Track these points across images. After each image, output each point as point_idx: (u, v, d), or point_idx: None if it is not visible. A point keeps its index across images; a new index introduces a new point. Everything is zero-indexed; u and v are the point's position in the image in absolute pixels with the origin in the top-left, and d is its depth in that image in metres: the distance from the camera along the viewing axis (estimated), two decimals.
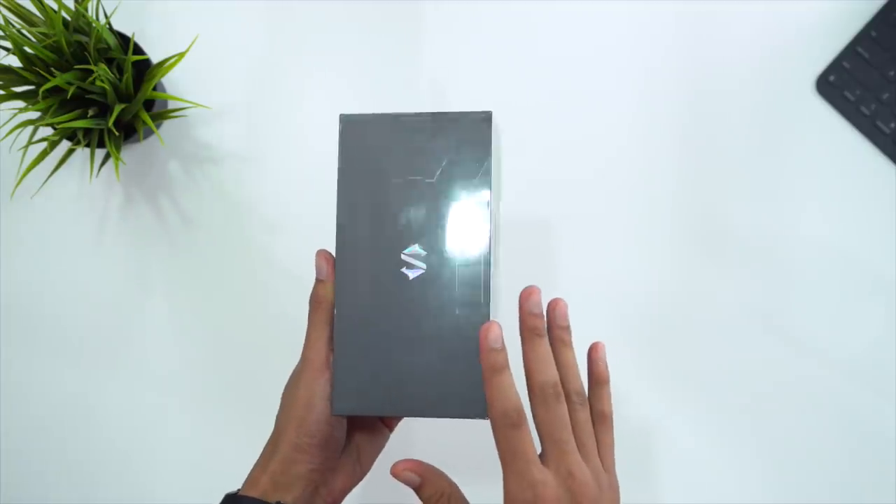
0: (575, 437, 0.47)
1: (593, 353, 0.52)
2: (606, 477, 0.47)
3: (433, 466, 0.48)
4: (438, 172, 0.49)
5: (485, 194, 0.49)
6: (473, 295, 0.48)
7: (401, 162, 0.49)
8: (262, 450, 0.51)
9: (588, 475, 0.45)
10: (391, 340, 0.48)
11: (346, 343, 0.49)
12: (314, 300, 0.50)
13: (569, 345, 0.50)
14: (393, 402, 0.48)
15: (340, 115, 0.50)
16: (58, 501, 0.70)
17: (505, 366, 0.46)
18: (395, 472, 0.47)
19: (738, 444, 0.68)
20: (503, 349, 0.46)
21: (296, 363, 0.51)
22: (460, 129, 0.49)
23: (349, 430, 0.52)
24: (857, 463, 0.68)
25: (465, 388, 0.48)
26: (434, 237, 0.49)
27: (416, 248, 0.49)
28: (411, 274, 0.49)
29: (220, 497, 0.49)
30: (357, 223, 0.49)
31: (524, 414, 0.46)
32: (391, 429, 0.55)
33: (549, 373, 0.47)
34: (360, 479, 0.53)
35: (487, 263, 0.48)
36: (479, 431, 0.69)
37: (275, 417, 0.51)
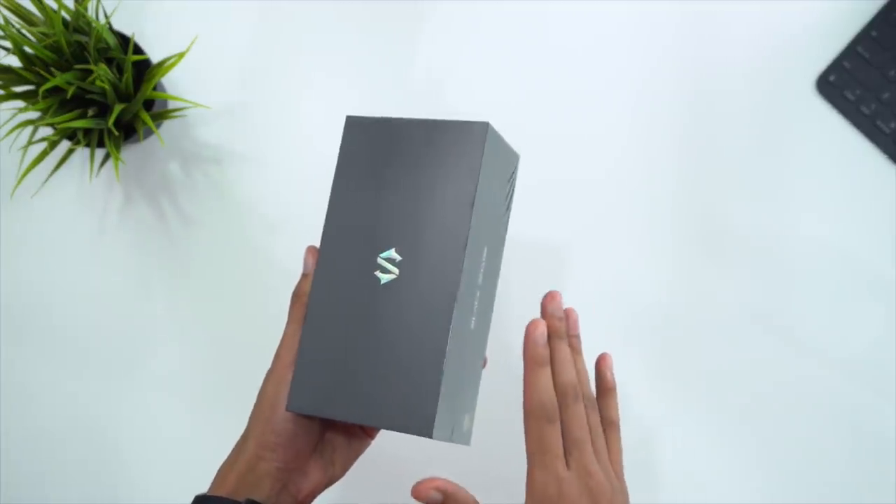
0: None
1: (601, 363, 0.54)
2: (616, 481, 0.49)
3: (457, 485, 0.47)
4: (428, 180, 0.48)
5: (468, 207, 0.47)
6: (440, 308, 0.46)
7: (393, 167, 0.49)
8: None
9: (602, 474, 0.47)
10: (355, 344, 0.47)
11: (312, 341, 0.48)
12: (294, 294, 0.51)
13: (580, 352, 0.53)
14: (347, 407, 0.47)
15: (347, 116, 0.50)
16: (58, 501, 0.70)
17: (547, 362, 0.48)
18: (418, 493, 0.46)
19: (738, 443, 0.68)
20: (547, 347, 0.48)
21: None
22: (455, 140, 0.48)
23: (323, 430, 0.51)
24: (857, 463, 0.68)
25: (417, 403, 0.46)
26: (412, 244, 0.47)
27: (392, 253, 0.48)
28: (383, 278, 0.48)
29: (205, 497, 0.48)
30: (343, 222, 0.49)
31: (558, 411, 0.47)
32: (372, 437, 0.54)
33: (571, 374, 0.49)
34: (334, 481, 0.52)
35: (458, 278, 0.46)
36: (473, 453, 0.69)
37: None
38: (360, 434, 0.53)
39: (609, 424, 0.52)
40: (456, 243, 0.47)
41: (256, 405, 0.50)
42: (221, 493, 0.48)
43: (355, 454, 0.53)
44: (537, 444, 0.46)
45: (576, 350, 0.53)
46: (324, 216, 0.70)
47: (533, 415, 0.47)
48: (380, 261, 0.48)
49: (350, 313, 0.48)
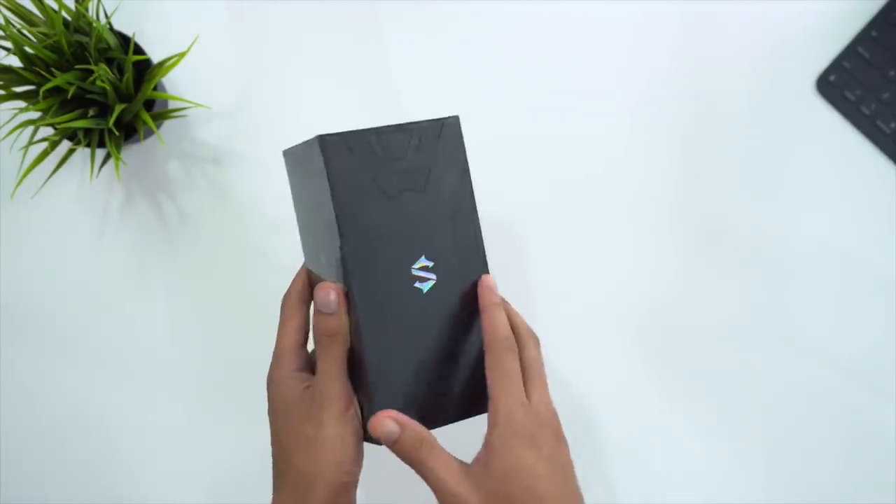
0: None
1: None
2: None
3: (409, 418, 0.47)
4: (426, 182, 0.49)
5: (470, 193, 0.50)
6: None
7: (390, 177, 0.49)
8: (281, 492, 0.49)
9: (555, 409, 0.50)
10: (421, 358, 0.48)
11: (380, 372, 0.48)
12: (326, 334, 0.48)
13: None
14: (432, 418, 0.48)
15: (320, 136, 0.48)
16: (58, 501, 0.70)
17: (502, 303, 0.50)
18: (375, 424, 0.46)
19: (738, 444, 0.68)
20: (499, 294, 0.51)
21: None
22: (438, 138, 0.49)
23: None
24: (857, 463, 0.68)
25: None
26: (435, 246, 0.49)
27: (423, 260, 0.49)
28: (424, 287, 0.49)
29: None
30: (366, 248, 0.48)
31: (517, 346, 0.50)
32: None
33: (524, 319, 0.53)
34: None
35: (484, 256, 0.50)
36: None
37: (274, 453, 0.49)
38: None
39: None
40: (470, 229, 0.50)
41: (313, 450, 0.47)
42: None
43: None
44: (502, 372, 0.47)
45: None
46: None
47: (500, 345, 0.48)
48: (415, 272, 0.49)
49: (408, 333, 0.48)
